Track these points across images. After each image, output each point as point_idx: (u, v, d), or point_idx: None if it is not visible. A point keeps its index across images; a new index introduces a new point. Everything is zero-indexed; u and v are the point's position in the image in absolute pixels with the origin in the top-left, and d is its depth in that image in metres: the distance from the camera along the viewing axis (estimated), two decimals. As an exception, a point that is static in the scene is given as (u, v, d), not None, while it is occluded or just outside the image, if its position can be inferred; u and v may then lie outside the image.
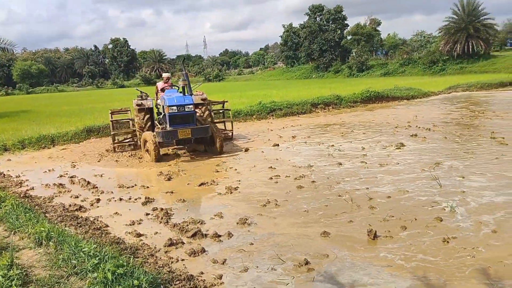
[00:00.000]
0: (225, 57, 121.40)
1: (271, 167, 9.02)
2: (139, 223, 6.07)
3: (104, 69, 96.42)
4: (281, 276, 4.27)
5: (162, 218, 6.15)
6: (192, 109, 10.25)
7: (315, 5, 67.14)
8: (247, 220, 5.87)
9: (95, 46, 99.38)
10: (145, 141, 10.41)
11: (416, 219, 5.58)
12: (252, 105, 18.89)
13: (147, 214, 6.43)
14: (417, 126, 13.31)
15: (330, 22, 66.82)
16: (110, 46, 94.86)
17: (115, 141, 12.20)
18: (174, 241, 5.22)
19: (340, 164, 8.89)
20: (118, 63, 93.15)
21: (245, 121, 17.36)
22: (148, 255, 4.85)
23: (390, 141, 11.18)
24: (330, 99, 20.63)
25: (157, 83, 12.10)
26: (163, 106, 10.62)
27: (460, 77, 35.91)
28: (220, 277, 4.29)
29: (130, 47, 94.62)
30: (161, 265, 4.52)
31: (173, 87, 11.82)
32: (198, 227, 5.64)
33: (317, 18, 67.89)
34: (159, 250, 5.03)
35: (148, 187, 8.10)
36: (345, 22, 67.11)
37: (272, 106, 18.88)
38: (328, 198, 6.75)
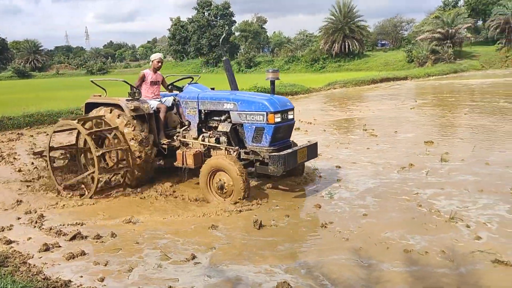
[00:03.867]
0: (110, 49, 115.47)
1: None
2: (9, 229, 5.49)
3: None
4: (168, 273, 4.19)
5: (36, 222, 5.64)
6: (293, 117, 6.63)
7: (203, 0, 67.11)
8: (131, 218, 5.65)
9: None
10: (215, 171, 6.18)
11: (298, 207, 5.90)
12: (139, 100, 18.24)
13: (19, 219, 5.85)
14: (300, 120, 14.03)
15: (218, 18, 67.40)
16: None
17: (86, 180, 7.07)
18: (50, 246, 4.82)
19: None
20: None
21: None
22: (20, 263, 4.41)
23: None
24: (219, 94, 20.77)
25: (144, 72, 7.45)
26: (218, 112, 6.77)
27: (338, 74, 38.74)
28: (102, 279, 4.07)
29: (0, 36, 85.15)
30: (34, 273, 4.14)
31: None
32: (77, 229, 5.28)
33: (206, 13, 67.97)
34: (32, 257, 4.60)
35: (20, 188, 7.34)
36: (233, 18, 68.30)
37: (160, 100, 18.42)
38: (216, 191, 6.79)
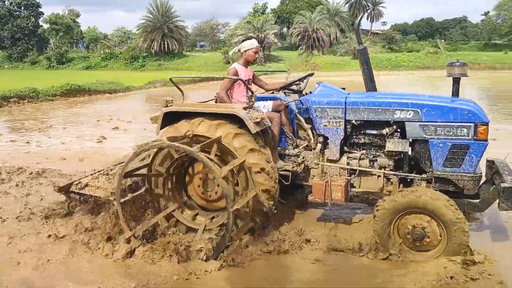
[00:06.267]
0: None
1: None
2: None
3: None
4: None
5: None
6: None
7: (2, -14, 59.31)
8: None
9: None
10: (407, 213, 4.22)
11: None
12: None
13: None
14: (118, 119, 13.77)
15: (22, 8, 60.39)
16: None
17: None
18: None
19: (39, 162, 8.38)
20: None
21: None
22: None
23: (92, 134, 11.21)
24: (25, 92, 18.97)
25: (235, 67, 5.19)
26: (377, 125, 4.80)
27: (158, 73, 38.80)
28: None
29: None
30: None
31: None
32: None
33: (6, 2, 60.19)
34: None
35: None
36: (40, 9, 62.02)
37: None
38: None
